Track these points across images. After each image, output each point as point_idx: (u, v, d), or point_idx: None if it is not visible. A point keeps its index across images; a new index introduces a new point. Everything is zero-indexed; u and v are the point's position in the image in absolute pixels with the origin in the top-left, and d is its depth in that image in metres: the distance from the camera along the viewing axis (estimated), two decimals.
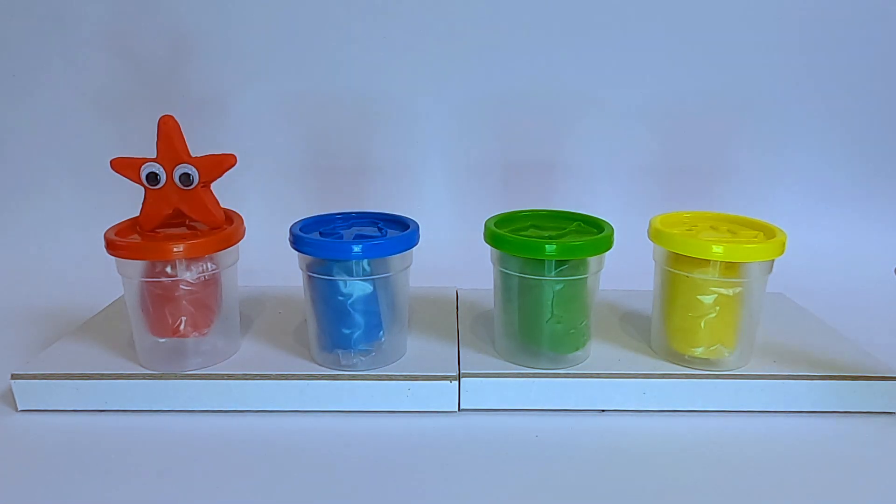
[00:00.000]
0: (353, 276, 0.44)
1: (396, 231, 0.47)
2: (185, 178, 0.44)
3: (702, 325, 0.45)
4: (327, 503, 0.37)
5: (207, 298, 0.46)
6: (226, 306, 0.47)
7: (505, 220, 0.49)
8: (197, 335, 0.46)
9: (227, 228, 0.45)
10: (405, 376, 0.45)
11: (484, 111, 0.81)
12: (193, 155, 0.44)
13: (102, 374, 0.45)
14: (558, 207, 0.51)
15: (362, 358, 0.45)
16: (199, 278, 0.44)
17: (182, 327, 0.45)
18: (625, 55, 0.80)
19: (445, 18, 0.78)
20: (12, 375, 0.45)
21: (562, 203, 0.58)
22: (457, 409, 0.46)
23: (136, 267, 0.44)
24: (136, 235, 0.45)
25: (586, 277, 0.45)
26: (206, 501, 0.37)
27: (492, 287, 0.49)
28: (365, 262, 0.43)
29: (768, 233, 0.47)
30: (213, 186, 0.46)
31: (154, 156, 0.44)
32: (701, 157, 0.83)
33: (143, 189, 0.45)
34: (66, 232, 0.80)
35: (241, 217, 0.48)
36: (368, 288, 0.44)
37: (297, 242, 0.44)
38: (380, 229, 0.47)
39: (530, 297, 0.45)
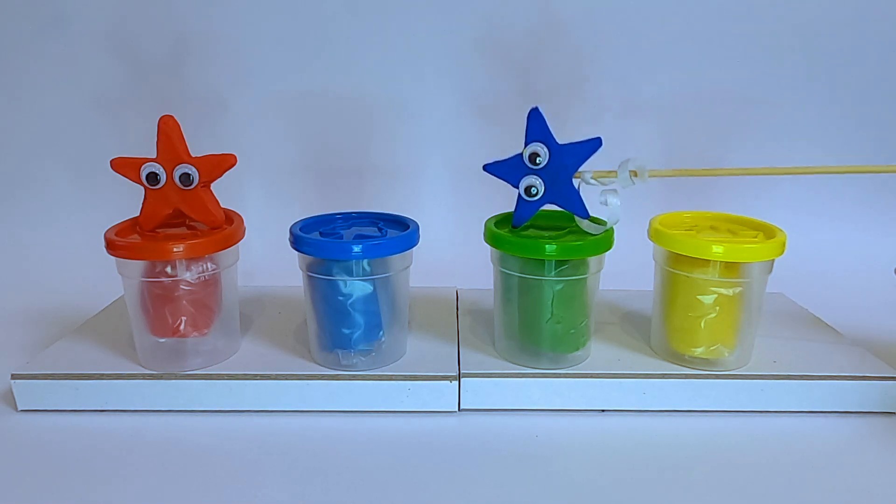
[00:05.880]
0: (353, 276, 0.44)
1: (396, 231, 0.47)
2: (185, 178, 0.44)
3: (702, 325, 0.45)
4: (327, 503, 0.37)
5: (207, 298, 0.46)
6: (226, 306, 0.47)
7: (505, 220, 0.49)
8: (197, 335, 0.46)
9: (227, 228, 0.45)
10: (405, 376, 0.45)
11: (484, 111, 0.81)
12: (193, 155, 0.44)
13: (102, 374, 0.45)
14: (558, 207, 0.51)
15: (362, 358, 0.45)
16: (199, 278, 0.44)
17: (182, 327, 0.45)
18: (625, 55, 0.79)
19: (445, 18, 0.78)
20: (12, 375, 0.45)
21: None
22: (457, 409, 0.46)
23: (136, 267, 0.44)
24: (136, 235, 0.45)
25: (586, 277, 0.45)
26: (207, 501, 0.37)
27: (492, 287, 0.49)
28: (365, 262, 0.43)
29: (768, 233, 0.47)
30: (213, 186, 0.46)
31: (154, 156, 0.44)
32: (701, 156, 0.83)
33: (143, 189, 0.45)
34: (67, 232, 0.80)
35: (241, 217, 0.48)
36: (368, 288, 0.44)
37: (297, 242, 0.44)
38: (380, 229, 0.47)
39: (530, 297, 0.45)
